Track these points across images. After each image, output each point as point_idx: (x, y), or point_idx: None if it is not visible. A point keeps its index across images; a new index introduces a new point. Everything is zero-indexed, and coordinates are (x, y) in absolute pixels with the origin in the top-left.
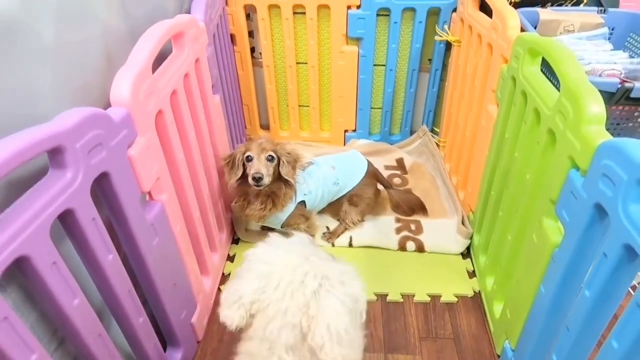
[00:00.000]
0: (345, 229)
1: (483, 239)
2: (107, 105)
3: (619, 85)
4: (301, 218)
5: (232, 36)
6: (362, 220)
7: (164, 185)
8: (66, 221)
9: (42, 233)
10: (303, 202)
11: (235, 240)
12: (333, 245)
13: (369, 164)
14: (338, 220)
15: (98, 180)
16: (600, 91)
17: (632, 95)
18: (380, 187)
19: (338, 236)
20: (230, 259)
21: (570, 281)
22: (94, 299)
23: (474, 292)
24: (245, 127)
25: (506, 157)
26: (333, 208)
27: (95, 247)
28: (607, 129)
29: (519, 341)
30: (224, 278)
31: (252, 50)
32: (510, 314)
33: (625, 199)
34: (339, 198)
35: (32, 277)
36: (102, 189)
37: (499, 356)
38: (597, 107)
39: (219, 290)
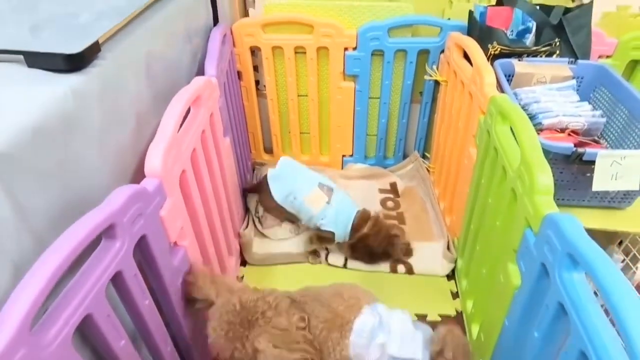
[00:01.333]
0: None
1: (465, 264)
2: (139, 162)
3: (573, 150)
4: None
5: (238, 72)
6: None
7: (186, 232)
8: (115, 280)
9: (100, 294)
10: None
11: (243, 263)
12: (328, 263)
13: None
14: None
15: (138, 241)
16: (558, 153)
17: (585, 158)
18: None
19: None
20: (240, 280)
21: (526, 321)
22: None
23: (457, 312)
24: (251, 152)
25: (482, 200)
26: None
27: (135, 297)
28: (567, 182)
29: None
30: None
31: (257, 82)
32: (484, 338)
33: (560, 267)
34: None
35: (92, 329)
36: (140, 247)
37: None
38: (546, 180)
39: None
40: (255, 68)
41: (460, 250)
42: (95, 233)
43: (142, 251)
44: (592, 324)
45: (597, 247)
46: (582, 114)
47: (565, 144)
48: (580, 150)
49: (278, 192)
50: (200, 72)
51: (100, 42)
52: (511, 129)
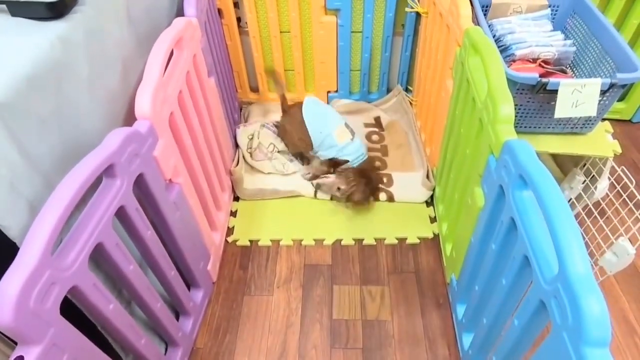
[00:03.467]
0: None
1: (441, 191)
2: (129, 107)
3: (538, 80)
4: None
5: (219, 10)
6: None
7: (179, 170)
8: (119, 214)
9: (108, 226)
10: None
11: (236, 198)
12: (316, 195)
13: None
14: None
15: (136, 179)
16: (524, 83)
17: (548, 87)
18: None
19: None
20: (233, 214)
21: (486, 236)
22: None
23: (434, 234)
24: (237, 91)
25: (456, 131)
26: None
27: (139, 228)
28: (534, 110)
29: (460, 274)
30: (229, 231)
31: (239, 20)
32: (455, 254)
33: (513, 187)
34: None
35: (104, 255)
36: (138, 184)
37: (448, 284)
38: (507, 110)
39: (226, 241)
40: (236, 5)
41: (438, 178)
42: (97, 172)
43: (141, 188)
44: (533, 233)
45: (544, 169)
46: (553, 44)
47: (531, 75)
48: (544, 80)
49: (313, 127)
50: (180, 12)
51: None
52: None
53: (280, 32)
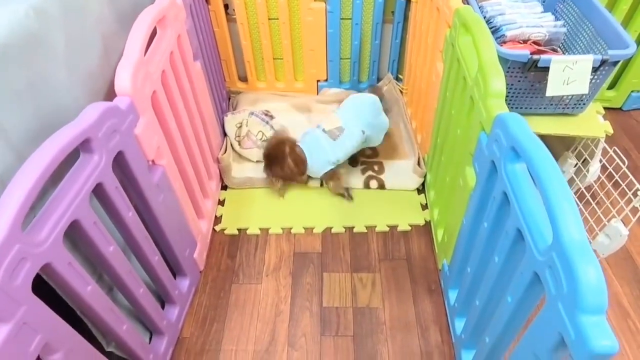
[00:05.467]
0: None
1: (433, 177)
2: (110, 85)
3: (529, 57)
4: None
5: None
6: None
7: (163, 152)
8: (97, 192)
9: (84, 203)
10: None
11: (224, 187)
12: (307, 183)
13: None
14: None
15: (115, 157)
16: (515, 61)
17: (540, 65)
18: None
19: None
20: (221, 203)
21: (479, 216)
22: (119, 243)
23: (425, 221)
24: (225, 80)
25: (447, 113)
26: None
27: (119, 208)
28: (525, 89)
29: (452, 259)
30: (217, 220)
31: (226, 7)
32: (447, 239)
33: (505, 160)
34: None
35: (81, 234)
36: (119, 163)
37: (440, 270)
38: (498, 84)
39: (214, 230)
40: None
41: (429, 165)
42: (72, 145)
43: (122, 168)
44: (527, 206)
45: (537, 140)
46: (543, 25)
47: (522, 52)
48: (535, 57)
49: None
50: None
51: None
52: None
53: (269, 19)
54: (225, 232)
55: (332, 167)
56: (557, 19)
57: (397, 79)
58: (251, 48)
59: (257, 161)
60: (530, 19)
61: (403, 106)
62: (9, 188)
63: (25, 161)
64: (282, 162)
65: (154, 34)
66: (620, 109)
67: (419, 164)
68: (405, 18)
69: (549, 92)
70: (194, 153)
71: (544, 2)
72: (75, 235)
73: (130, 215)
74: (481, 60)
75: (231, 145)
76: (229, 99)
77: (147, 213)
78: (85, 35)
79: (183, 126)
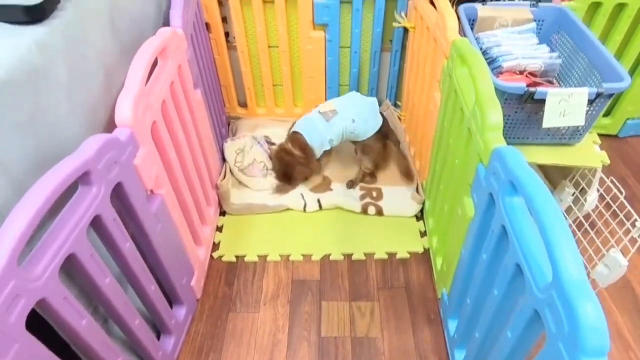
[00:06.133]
0: (363, 175)
1: (431, 204)
2: (111, 115)
3: (525, 89)
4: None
5: (206, 24)
6: (375, 170)
7: (162, 181)
8: (95, 224)
9: (82, 236)
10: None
11: (222, 213)
12: (320, 208)
13: (384, 121)
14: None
15: (114, 187)
16: (512, 93)
17: (536, 97)
18: None
19: (358, 182)
20: (219, 229)
21: (477, 247)
22: (114, 273)
23: (424, 248)
24: (225, 106)
25: (445, 142)
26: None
27: (117, 239)
28: (522, 121)
29: (451, 289)
30: (215, 246)
31: (227, 35)
32: (446, 268)
33: (503, 193)
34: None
35: (77, 267)
36: (117, 193)
37: (439, 299)
38: (496, 117)
39: (212, 257)
40: (224, 19)
41: (427, 192)
42: (71, 178)
43: (120, 198)
44: (525, 240)
45: (534, 174)
46: (539, 56)
47: (518, 84)
48: (531, 89)
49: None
50: (166, 23)
51: None
52: None
53: (269, 46)
54: (223, 259)
55: (329, 146)
56: (552, 50)
57: (395, 105)
58: (251, 75)
59: (258, 190)
60: (527, 51)
61: (401, 132)
62: (6, 223)
63: (24, 195)
64: (292, 156)
65: (155, 63)
66: (616, 136)
67: (417, 190)
68: (403, 46)
69: (546, 124)
70: (193, 181)
71: (539, 33)
72: (71, 268)
73: (127, 246)
74: (478, 93)
75: (230, 171)
76: (229, 124)
77: (145, 242)
78: (87, 66)
79: (182, 155)
